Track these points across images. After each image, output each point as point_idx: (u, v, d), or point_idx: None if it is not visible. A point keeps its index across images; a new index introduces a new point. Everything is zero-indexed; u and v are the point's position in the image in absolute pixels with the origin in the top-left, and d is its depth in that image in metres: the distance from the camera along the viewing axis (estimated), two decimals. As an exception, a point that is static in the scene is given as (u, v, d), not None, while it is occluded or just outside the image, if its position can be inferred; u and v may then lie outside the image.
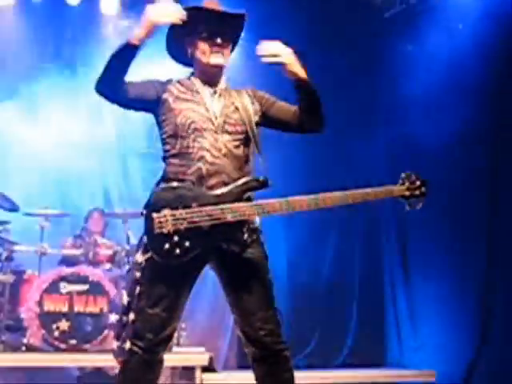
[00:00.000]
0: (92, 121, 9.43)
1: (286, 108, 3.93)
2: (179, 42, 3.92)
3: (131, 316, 3.64)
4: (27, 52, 9.02)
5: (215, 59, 3.83)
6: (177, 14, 3.69)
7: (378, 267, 9.39)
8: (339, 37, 9.18)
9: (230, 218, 3.57)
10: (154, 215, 3.55)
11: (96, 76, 3.72)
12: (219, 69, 3.88)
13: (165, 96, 3.81)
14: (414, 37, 9.11)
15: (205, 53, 3.83)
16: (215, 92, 3.88)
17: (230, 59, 3.95)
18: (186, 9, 3.76)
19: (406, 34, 9.22)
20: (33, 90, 9.23)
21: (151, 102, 3.81)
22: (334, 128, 8.65)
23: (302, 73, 3.82)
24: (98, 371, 7.20)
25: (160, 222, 3.53)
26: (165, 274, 3.60)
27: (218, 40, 3.81)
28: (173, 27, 3.85)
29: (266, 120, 3.93)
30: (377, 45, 9.24)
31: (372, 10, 9.35)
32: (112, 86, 3.72)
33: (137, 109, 3.92)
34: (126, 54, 3.69)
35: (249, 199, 3.66)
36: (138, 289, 3.65)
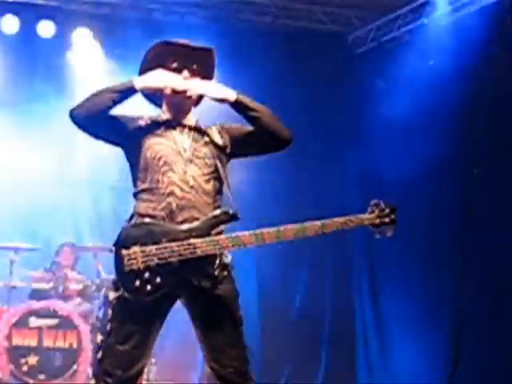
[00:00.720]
0: (63, 154, 9.41)
1: (245, 131, 3.95)
2: None
3: (100, 353, 3.63)
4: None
5: (175, 104, 3.87)
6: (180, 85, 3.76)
7: (349, 304, 9.40)
8: (310, 72, 9.27)
9: (199, 252, 3.56)
10: (124, 252, 3.54)
11: (68, 106, 3.73)
12: (187, 101, 3.89)
13: (135, 131, 3.82)
14: (385, 72, 9.22)
15: (166, 95, 3.87)
16: (184, 127, 3.88)
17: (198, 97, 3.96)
18: (156, 44, 3.83)
19: (378, 69, 9.32)
20: (5, 120, 9.20)
21: (122, 136, 3.82)
22: (306, 154, 8.86)
23: (224, 94, 3.85)
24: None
25: (130, 259, 3.52)
26: (135, 310, 3.58)
27: (185, 73, 3.83)
28: (142, 65, 3.90)
29: (239, 148, 3.93)
30: (348, 80, 9.34)
31: (343, 46, 9.48)
32: (95, 117, 3.72)
33: (108, 141, 3.91)
34: (126, 94, 3.76)
35: (219, 233, 3.65)
36: (108, 326, 3.63)
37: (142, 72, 3.92)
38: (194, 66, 3.86)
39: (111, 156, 8.73)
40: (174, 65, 3.84)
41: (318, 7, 9.35)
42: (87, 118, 3.72)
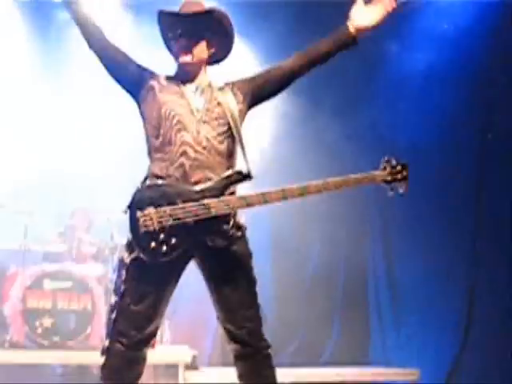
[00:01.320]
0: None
1: (277, 69, 3.97)
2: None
3: (114, 314, 3.65)
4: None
5: (182, 58, 3.86)
6: None
7: (363, 266, 9.39)
8: (325, 33, 9.18)
9: (213, 212, 3.57)
10: (139, 213, 3.55)
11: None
12: (192, 66, 3.89)
13: (152, 83, 3.84)
14: (399, 32, 9.12)
15: (175, 53, 3.91)
16: (197, 88, 3.88)
17: (205, 54, 3.93)
18: (158, 14, 3.89)
19: (392, 29, 9.23)
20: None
21: (134, 78, 3.86)
22: (320, 110, 8.82)
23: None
24: (82, 368, 7.18)
25: (145, 221, 3.54)
26: (151, 271, 3.60)
27: (183, 40, 3.84)
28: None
29: (255, 99, 3.94)
30: (362, 40, 9.25)
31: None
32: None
33: (114, 74, 3.92)
34: None
35: (232, 193, 3.67)
36: (122, 287, 3.65)
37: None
38: (191, 31, 3.85)
39: (125, 120, 8.77)
40: (178, 33, 3.85)
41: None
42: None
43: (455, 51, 8.23)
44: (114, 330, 3.65)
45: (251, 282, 3.75)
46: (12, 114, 9.07)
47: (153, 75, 3.89)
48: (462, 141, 8.31)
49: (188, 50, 3.84)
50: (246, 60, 8.50)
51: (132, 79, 3.86)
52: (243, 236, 3.75)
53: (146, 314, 3.63)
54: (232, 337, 3.73)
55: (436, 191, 8.29)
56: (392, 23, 3.98)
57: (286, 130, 8.89)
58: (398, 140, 8.55)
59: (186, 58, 3.85)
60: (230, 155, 3.80)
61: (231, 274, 3.70)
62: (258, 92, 3.93)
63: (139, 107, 3.89)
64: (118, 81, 3.92)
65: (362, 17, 3.91)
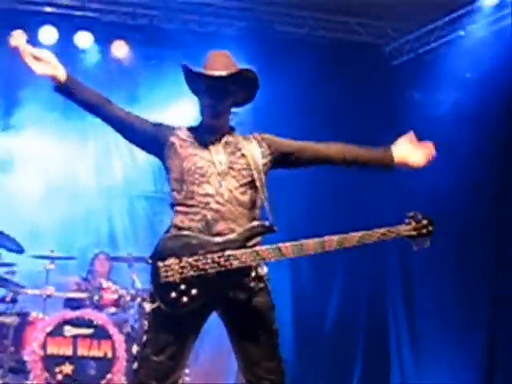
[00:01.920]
0: (99, 163, 9.47)
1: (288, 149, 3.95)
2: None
3: (136, 364, 3.64)
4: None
5: (208, 119, 3.87)
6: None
7: (384, 318, 9.34)
8: (347, 83, 9.28)
9: (236, 264, 3.56)
10: (160, 264, 3.55)
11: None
12: (217, 123, 3.88)
13: (172, 139, 3.83)
14: (422, 84, 9.18)
15: (201, 110, 3.89)
16: (221, 138, 3.87)
17: (231, 107, 3.93)
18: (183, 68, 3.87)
19: (414, 81, 9.30)
20: (43, 130, 9.28)
21: (153, 140, 3.86)
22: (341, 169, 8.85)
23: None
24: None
25: (166, 271, 3.54)
26: (171, 322, 3.59)
27: (208, 100, 3.83)
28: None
29: (278, 162, 3.93)
30: (385, 91, 9.32)
31: (380, 58, 9.47)
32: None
33: (146, 150, 3.95)
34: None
35: (255, 245, 3.65)
36: (144, 337, 3.65)
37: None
38: (218, 91, 3.82)
39: (146, 166, 8.83)
40: (197, 92, 3.90)
41: (354, 19, 9.36)
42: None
43: (475, 102, 8.24)
44: (136, 381, 3.65)
45: (273, 334, 3.72)
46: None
47: (172, 131, 3.88)
48: (481, 182, 8.27)
49: (214, 112, 3.84)
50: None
51: (152, 141, 3.87)
52: (266, 287, 3.72)
53: (168, 365, 3.61)
54: (254, 388, 3.70)
55: (456, 235, 8.23)
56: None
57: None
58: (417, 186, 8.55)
59: (212, 121, 3.86)
60: (253, 206, 3.80)
61: (252, 327, 3.67)
62: (281, 158, 3.92)
63: (162, 162, 3.89)
64: (140, 147, 3.95)
65: (408, 154, 3.99)
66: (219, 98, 3.83)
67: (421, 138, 8.56)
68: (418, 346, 8.86)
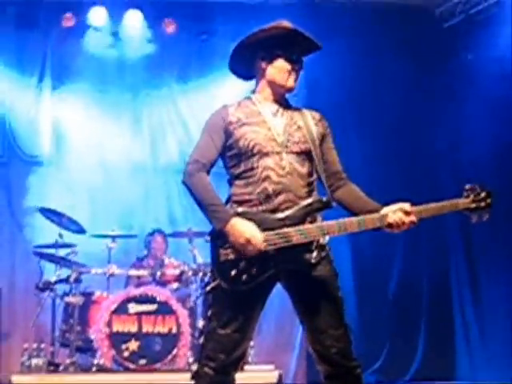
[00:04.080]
0: (155, 141, 9.50)
1: (332, 162, 3.88)
2: (248, 53, 3.86)
3: (202, 338, 3.66)
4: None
5: (291, 82, 3.81)
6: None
7: (446, 282, 9.27)
8: (399, 47, 9.19)
9: (295, 240, 3.55)
10: (219, 242, 3.56)
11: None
12: (291, 90, 3.85)
13: (229, 119, 3.76)
14: (474, 46, 9.04)
15: (283, 73, 3.79)
16: (277, 111, 3.84)
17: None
18: (282, 25, 3.75)
19: (466, 43, 9.17)
20: (97, 112, 9.36)
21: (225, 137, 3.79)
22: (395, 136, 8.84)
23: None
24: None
25: (225, 249, 3.55)
26: (233, 299, 3.59)
27: (297, 63, 3.80)
28: (262, 35, 3.79)
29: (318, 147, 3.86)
30: (437, 54, 9.21)
31: (432, 20, 9.35)
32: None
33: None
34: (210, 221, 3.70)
35: (313, 221, 3.64)
36: (209, 311, 3.66)
37: (259, 39, 3.80)
38: (302, 56, 3.83)
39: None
40: (294, 57, 3.80)
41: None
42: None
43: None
44: (203, 354, 3.66)
45: (338, 302, 3.69)
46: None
47: (226, 110, 3.81)
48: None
49: (297, 74, 3.81)
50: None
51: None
52: (328, 256, 3.70)
53: (234, 338, 3.61)
54: (321, 357, 3.67)
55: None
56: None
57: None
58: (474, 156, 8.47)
59: (294, 83, 3.82)
60: (311, 177, 3.78)
61: (317, 296, 3.65)
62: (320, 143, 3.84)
63: (224, 143, 3.76)
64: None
65: (396, 220, 3.67)
66: (301, 64, 3.83)
67: (476, 99, 8.52)
68: (481, 308, 8.78)
